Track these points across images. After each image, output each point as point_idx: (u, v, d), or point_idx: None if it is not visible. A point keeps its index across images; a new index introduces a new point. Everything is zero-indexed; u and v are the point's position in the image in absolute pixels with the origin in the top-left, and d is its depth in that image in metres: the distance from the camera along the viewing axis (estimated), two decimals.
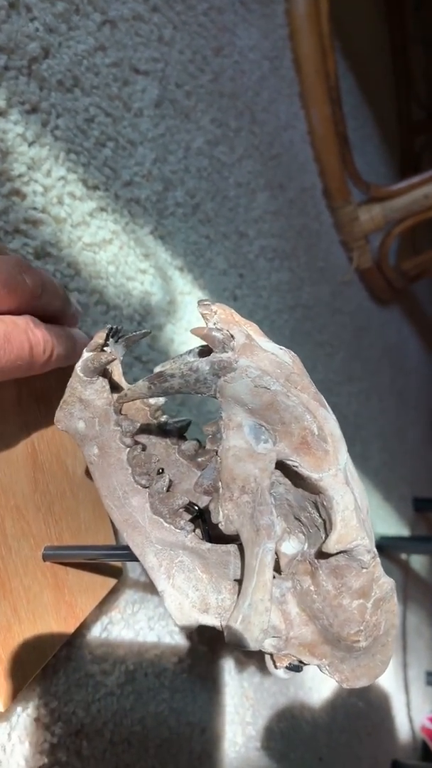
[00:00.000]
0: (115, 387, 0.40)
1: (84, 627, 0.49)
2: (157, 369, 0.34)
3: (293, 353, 0.34)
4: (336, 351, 1.17)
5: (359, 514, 0.32)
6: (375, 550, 0.33)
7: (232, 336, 0.31)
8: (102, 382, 0.39)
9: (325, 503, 0.32)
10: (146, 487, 0.38)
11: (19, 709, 0.42)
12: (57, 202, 0.49)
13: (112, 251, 0.56)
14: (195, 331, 0.31)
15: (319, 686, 0.92)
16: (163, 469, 0.40)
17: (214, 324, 0.31)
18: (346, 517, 0.31)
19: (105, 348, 0.38)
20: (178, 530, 0.37)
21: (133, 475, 0.38)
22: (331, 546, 0.31)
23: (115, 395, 0.39)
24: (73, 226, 0.51)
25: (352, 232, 1.21)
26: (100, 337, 0.37)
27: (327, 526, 0.33)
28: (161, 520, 0.37)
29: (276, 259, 0.92)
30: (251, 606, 0.32)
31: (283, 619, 0.35)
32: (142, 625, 0.56)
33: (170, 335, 0.63)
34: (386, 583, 0.34)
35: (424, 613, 1.66)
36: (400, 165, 1.81)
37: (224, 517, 0.33)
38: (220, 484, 0.34)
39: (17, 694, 0.39)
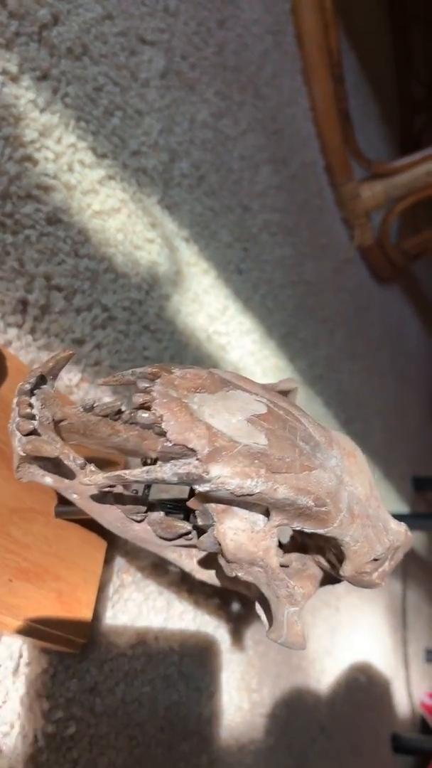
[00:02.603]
0: (64, 417, 0.38)
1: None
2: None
3: (272, 398, 0.31)
4: (338, 328, 1.17)
5: (367, 531, 0.33)
6: (387, 540, 0.34)
7: (192, 449, 0.28)
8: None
9: (334, 542, 0.33)
10: (141, 521, 0.37)
11: (35, 663, 0.43)
12: (67, 169, 0.50)
13: (121, 219, 0.56)
14: (150, 448, 0.29)
15: (322, 658, 0.94)
16: (152, 500, 0.39)
17: (166, 435, 0.29)
18: (358, 550, 0.32)
19: (32, 401, 0.34)
20: (187, 541, 0.37)
21: (126, 514, 0.36)
22: (348, 573, 0.33)
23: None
24: (83, 193, 0.51)
25: (354, 210, 1.21)
26: (25, 416, 0.33)
27: (340, 551, 0.34)
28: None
29: (279, 234, 0.92)
30: (287, 641, 0.33)
31: (310, 582, 0.36)
32: (152, 588, 0.57)
33: (177, 306, 0.64)
34: (396, 537, 0.35)
35: (423, 591, 1.68)
36: (400, 143, 1.80)
37: (238, 575, 0.33)
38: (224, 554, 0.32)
39: (92, 624, 0.41)
